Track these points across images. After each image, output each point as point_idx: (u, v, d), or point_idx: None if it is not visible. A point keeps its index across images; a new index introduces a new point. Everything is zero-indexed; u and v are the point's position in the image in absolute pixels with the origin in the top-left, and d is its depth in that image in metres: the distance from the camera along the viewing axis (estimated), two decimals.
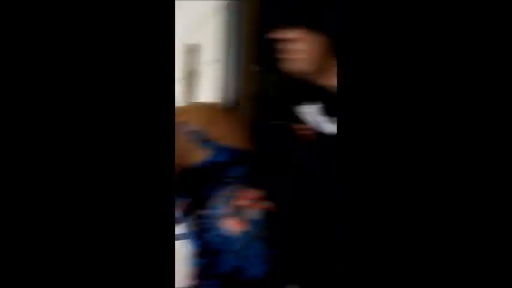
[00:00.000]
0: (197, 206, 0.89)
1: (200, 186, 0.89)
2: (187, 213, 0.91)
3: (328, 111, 0.91)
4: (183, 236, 0.94)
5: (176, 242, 0.83)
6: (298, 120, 0.98)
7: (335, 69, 0.86)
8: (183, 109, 0.93)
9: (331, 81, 0.88)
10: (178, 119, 0.84)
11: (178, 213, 0.92)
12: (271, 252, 0.84)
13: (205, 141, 0.88)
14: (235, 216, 0.86)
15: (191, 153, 0.87)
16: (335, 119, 0.88)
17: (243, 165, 0.89)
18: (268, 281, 0.84)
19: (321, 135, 0.90)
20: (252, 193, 0.87)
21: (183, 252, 0.94)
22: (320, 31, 0.89)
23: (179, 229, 0.91)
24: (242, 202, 0.86)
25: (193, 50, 1.74)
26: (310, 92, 1.01)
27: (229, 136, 0.90)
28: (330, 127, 0.94)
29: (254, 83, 1.16)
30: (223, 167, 0.88)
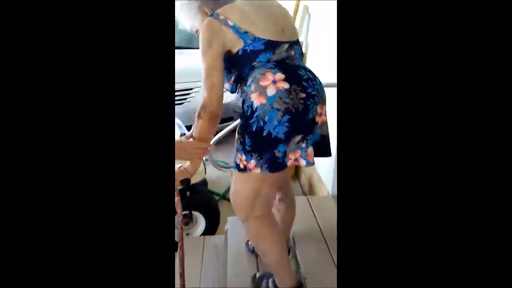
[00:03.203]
0: (240, 83, 1.18)
1: (241, 68, 1.15)
2: (235, 87, 1.21)
3: None
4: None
5: None
6: None
7: None
8: (223, 10, 1.15)
9: None
10: (221, 17, 1.12)
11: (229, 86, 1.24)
12: (285, 119, 1.09)
13: (241, 34, 1.12)
14: (259, 92, 1.10)
15: (234, 43, 1.13)
16: None
17: (268, 53, 1.12)
18: (288, 138, 1.11)
19: None
20: (272, 76, 1.10)
21: None
22: None
23: None
24: (263, 82, 1.10)
25: None
26: None
27: (260, 29, 1.13)
28: None
29: None
30: (255, 53, 1.13)
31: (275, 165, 1.13)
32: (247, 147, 1.14)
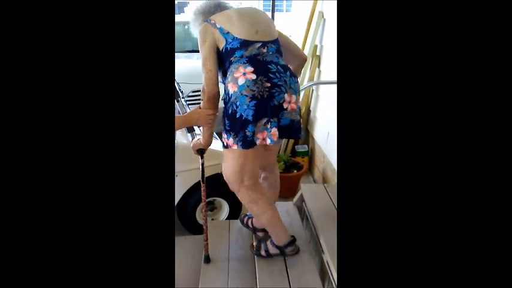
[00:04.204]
0: (225, 75, 1.44)
1: (224, 63, 1.43)
2: (223, 79, 1.49)
3: None
4: None
5: None
6: None
7: None
8: (214, 16, 1.46)
9: None
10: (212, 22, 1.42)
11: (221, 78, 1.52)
12: (252, 104, 1.36)
13: (225, 34, 1.38)
14: (233, 82, 1.39)
15: (220, 41, 1.42)
16: None
17: (242, 50, 1.41)
18: (255, 119, 1.38)
19: None
20: (243, 69, 1.37)
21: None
22: None
23: None
24: (236, 74, 1.38)
25: None
26: None
27: (238, 30, 1.40)
28: None
29: None
30: (233, 51, 1.41)
31: (246, 142, 1.41)
32: (227, 127, 1.45)
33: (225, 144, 1.48)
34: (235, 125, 1.40)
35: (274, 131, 1.39)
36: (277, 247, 1.66)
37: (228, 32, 1.40)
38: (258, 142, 1.42)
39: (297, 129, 1.49)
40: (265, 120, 1.38)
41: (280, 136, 1.44)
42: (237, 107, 1.37)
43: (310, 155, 3.17)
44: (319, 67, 2.98)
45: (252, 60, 1.39)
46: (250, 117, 1.36)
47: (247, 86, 1.35)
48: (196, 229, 2.23)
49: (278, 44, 1.50)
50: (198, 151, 1.67)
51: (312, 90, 3.14)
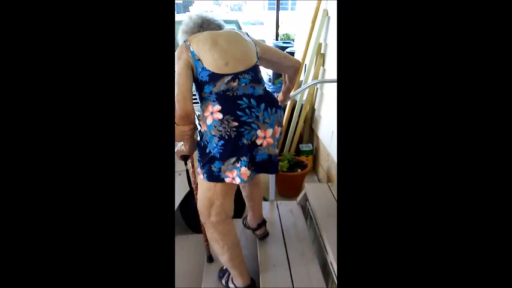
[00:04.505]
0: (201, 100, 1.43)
1: (198, 93, 1.43)
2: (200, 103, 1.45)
3: None
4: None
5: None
6: None
7: None
8: (192, 37, 1.40)
9: None
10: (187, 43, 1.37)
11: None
12: (220, 144, 1.34)
13: (195, 60, 1.36)
14: (203, 121, 1.39)
15: (192, 66, 1.36)
16: None
17: (211, 85, 1.31)
18: (222, 158, 1.36)
19: None
20: (211, 107, 1.34)
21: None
22: None
23: None
24: (205, 113, 1.37)
25: None
26: None
27: (207, 61, 1.34)
28: None
29: None
30: (203, 84, 1.37)
31: (212, 176, 1.39)
32: (198, 157, 1.45)
33: (198, 172, 1.48)
34: (204, 158, 1.40)
35: (244, 170, 1.35)
36: (235, 286, 1.64)
37: (198, 59, 1.34)
38: (227, 180, 1.39)
39: (274, 164, 1.46)
40: (233, 159, 1.35)
41: (257, 171, 1.42)
42: (207, 143, 1.38)
43: (314, 153, 3.16)
44: (323, 65, 2.96)
45: (221, 98, 1.33)
46: (217, 155, 1.35)
47: (214, 127, 1.33)
48: (200, 228, 2.22)
49: (255, 72, 1.41)
50: (182, 157, 1.64)
51: (317, 88, 3.13)
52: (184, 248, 2.11)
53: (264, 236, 1.86)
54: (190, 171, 1.68)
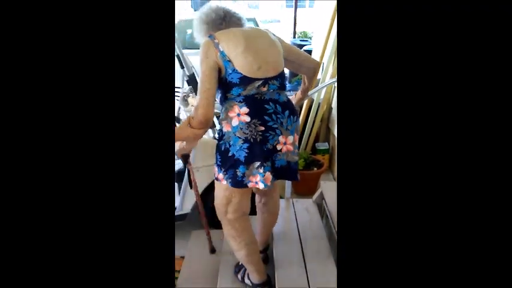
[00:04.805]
0: (221, 103, 1.41)
1: (221, 93, 1.38)
2: (221, 102, 1.42)
3: None
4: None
5: None
6: None
7: None
8: (220, 33, 1.35)
9: None
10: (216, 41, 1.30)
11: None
12: (244, 146, 1.32)
13: (225, 61, 1.30)
14: (227, 121, 1.35)
15: (220, 66, 1.31)
16: None
17: (240, 87, 1.32)
18: (247, 162, 1.34)
19: None
20: (238, 109, 1.32)
21: None
22: None
23: None
24: (231, 114, 1.34)
25: None
26: None
27: (239, 63, 1.30)
28: None
29: None
30: (231, 85, 1.32)
31: (236, 182, 1.37)
32: (218, 162, 1.41)
33: (216, 176, 1.45)
34: (226, 163, 1.37)
35: (268, 175, 1.35)
36: (251, 281, 1.65)
37: (229, 61, 1.29)
38: (250, 185, 1.37)
39: (293, 171, 1.44)
40: (258, 163, 1.33)
41: (276, 178, 1.40)
42: (230, 145, 1.34)
43: (330, 152, 3.15)
44: None
45: (249, 100, 1.31)
46: (242, 159, 1.33)
47: (241, 129, 1.30)
48: (217, 224, 2.25)
49: (282, 78, 1.40)
50: (182, 156, 1.64)
51: (334, 87, 3.11)
52: (201, 242, 2.14)
53: (263, 261, 1.79)
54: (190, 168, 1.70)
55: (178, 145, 1.53)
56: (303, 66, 1.59)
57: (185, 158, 1.68)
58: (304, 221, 2.03)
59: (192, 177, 1.73)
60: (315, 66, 1.61)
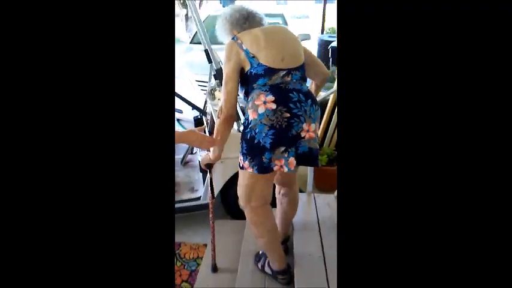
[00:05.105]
0: (247, 96, 1.50)
1: (247, 86, 1.47)
2: (245, 98, 1.51)
3: None
4: None
5: None
6: None
7: None
8: (242, 35, 1.46)
9: None
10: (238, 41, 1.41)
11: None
12: (270, 133, 1.38)
13: (250, 57, 1.41)
14: (253, 109, 1.40)
15: (245, 64, 1.42)
16: None
17: (266, 78, 1.40)
18: (273, 147, 1.39)
19: None
20: (264, 97, 1.38)
21: None
22: None
23: None
24: (257, 102, 1.40)
25: None
26: None
27: (263, 57, 1.40)
28: None
29: None
30: (256, 76, 1.41)
31: (263, 168, 1.43)
32: (243, 151, 1.47)
33: (241, 165, 1.51)
34: (252, 150, 1.43)
35: (292, 160, 1.41)
36: (271, 269, 1.70)
37: (253, 57, 1.39)
38: (275, 168, 1.43)
39: (315, 157, 1.50)
40: (283, 148, 1.40)
41: (298, 164, 1.45)
42: (255, 133, 1.40)
43: None
44: None
45: (274, 89, 1.39)
46: (268, 145, 1.39)
47: (267, 116, 1.37)
48: (238, 215, 2.32)
49: (303, 70, 1.49)
50: (206, 166, 1.74)
51: None
52: (223, 231, 2.21)
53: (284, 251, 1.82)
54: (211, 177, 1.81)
55: (203, 155, 1.67)
56: (314, 70, 1.63)
57: (209, 167, 1.75)
58: (325, 215, 2.06)
59: (210, 186, 1.84)
60: (325, 74, 1.69)
